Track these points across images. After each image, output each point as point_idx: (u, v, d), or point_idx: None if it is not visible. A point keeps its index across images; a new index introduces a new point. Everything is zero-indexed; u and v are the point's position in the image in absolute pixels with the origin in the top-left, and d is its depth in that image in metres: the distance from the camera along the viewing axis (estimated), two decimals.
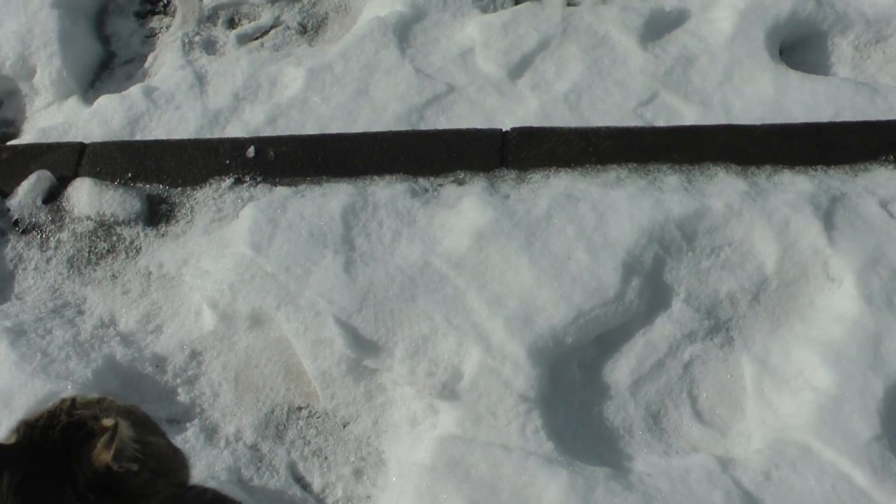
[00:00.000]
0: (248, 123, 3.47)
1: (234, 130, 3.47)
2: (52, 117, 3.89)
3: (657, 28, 3.70)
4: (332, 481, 2.62)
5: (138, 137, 3.54)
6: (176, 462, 1.72)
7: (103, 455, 1.48)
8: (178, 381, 2.80)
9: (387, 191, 3.00)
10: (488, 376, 2.59)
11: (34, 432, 1.57)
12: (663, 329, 2.75)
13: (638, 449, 2.60)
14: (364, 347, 2.69)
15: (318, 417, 2.72)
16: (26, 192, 3.29)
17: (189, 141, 3.33)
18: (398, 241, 2.88)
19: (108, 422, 1.52)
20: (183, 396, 2.77)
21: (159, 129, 3.57)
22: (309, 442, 2.69)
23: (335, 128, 3.36)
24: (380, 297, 2.75)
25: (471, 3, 3.80)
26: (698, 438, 2.62)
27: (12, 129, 4.04)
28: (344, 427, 2.70)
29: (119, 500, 1.50)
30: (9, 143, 3.76)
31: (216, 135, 3.46)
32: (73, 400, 1.66)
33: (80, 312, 3.03)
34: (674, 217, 2.87)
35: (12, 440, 1.60)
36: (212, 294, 2.85)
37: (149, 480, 1.55)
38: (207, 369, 2.82)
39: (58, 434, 1.55)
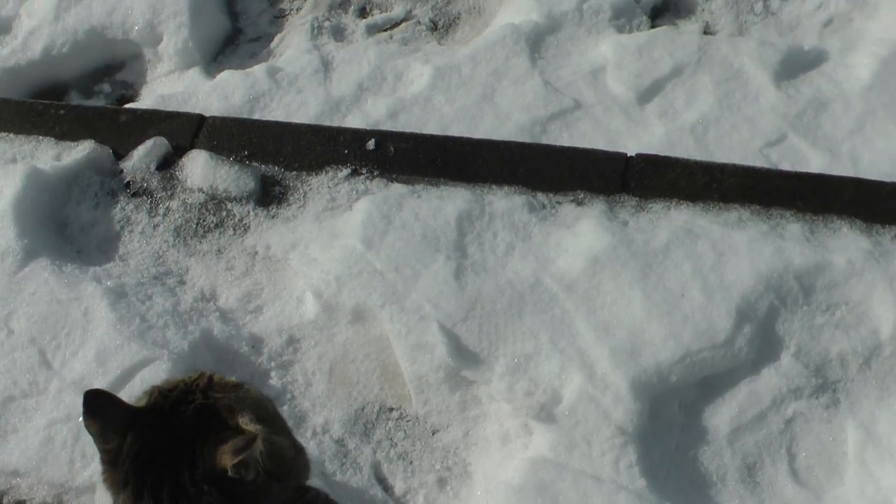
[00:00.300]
0: (369, 115, 3.49)
1: (354, 120, 3.49)
2: (171, 85, 3.96)
3: (793, 67, 3.63)
4: (415, 487, 2.62)
5: (257, 116, 3.57)
6: (298, 463, 1.69)
7: (227, 459, 1.45)
8: (273, 364, 2.83)
9: (504, 202, 2.99)
10: (587, 404, 2.56)
11: (166, 403, 1.55)
12: (769, 381, 2.69)
13: (729, 499, 2.55)
14: (465, 357, 2.68)
15: (408, 421, 2.73)
16: (141, 157, 3.36)
17: (309, 126, 3.35)
18: (511, 254, 2.87)
19: (249, 428, 1.49)
20: (275, 381, 2.80)
21: (279, 110, 3.60)
22: (396, 444, 2.69)
23: (456, 130, 3.36)
24: (487, 309, 2.74)
25: (607, 20, 3.77)
26: (792, 498, 2.57)
27: (130, 91, 4.12)
28: (433, 434, 2.70)
29: (231, 499, 1.48)
30: (126, 105, 3.83)
31: (336, 123, 3.48)
32: (211, 378, 1.63)
33: (182, 283, 3.08)
34: (793, 268, 2.82)
35: (142, 403, 1.59)
36: (317, 283, 2.87)
37: (263, 485, 1.51)
38: (303, 357, 2.83)
39: (190, 412, 1.53)
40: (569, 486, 2.44)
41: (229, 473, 1.47)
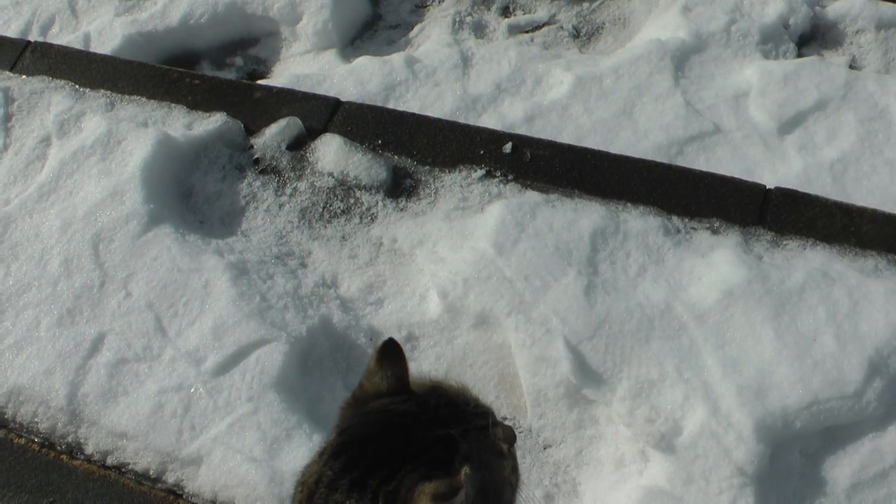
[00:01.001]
0: (504, 116, 3.48)
1: (489, 120, 3.48)
2: (306, 66, 4.00)
3: None
4: (521, 500, 2.59)
5: (392, 105, 3.59)
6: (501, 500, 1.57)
7: (422, 500, 1.33)
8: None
9: (639, 222, 2.96)
10: (709, 439, 2.52)
11: (429, 402, 1.48)
12: (895, 440, 2.63)
13: None
14: (587, 376, 2.65)
15: (520, 432, 2.71)
16: (273, 135, 3.39)
17: (446, 122, 3.35)
18: (643, 276, 2.84)
19: (460, 476, 1.35)
20: None
21: (414, 101, 3.61)
22: None
23: (592, 142, 3.33)
24: (614, 330, 2.72)
25: (754, 45, 3.71)
26: None
27: (262, 68, 4.17)
28: (545, 449, 2.68)
29: None
30: (260, 82, 3.87)
31: (471, 121, 3.47)
32: (489, 416, 1.52)
33: (304, 265, 3.09)
34: None
35: (420, 385, 1.52)
36: (444, 283, 2.86)
37: None
38: (420, 356, 2.83)
39: (438, 431, 1.42)
40: None
41: None
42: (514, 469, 1.62)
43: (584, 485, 2.61)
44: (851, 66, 3.76)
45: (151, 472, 2.67)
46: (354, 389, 1.53)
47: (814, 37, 3.88)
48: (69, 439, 2.75)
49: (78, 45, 4.15)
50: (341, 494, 1.37)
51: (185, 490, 2.64)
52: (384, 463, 1.38)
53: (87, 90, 3.65)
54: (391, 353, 1.50)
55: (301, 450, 2.56)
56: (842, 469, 2.60)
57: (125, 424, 2.70)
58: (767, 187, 3.12)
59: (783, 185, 3.17)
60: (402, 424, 1.44)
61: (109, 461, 2.72)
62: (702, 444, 2.52)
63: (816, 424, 2.61)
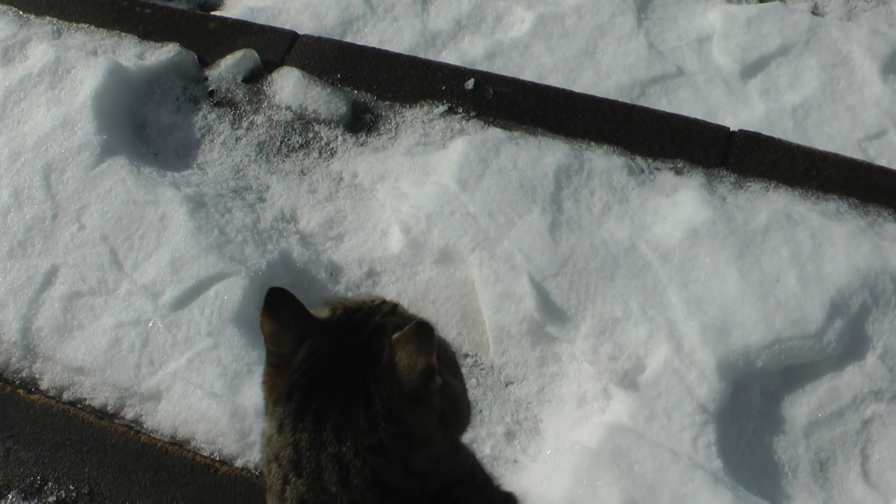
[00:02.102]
0: (465, 53, 3.47)
1: (449, 57, 3.47)
2: None
3: None
4: (482, 436, 2.63)
5: (349, 40, 3.55)
6: (467, 415, 1.59)
7: (420, 360, 1.35)
8: (350, 295, 2.82)
9: (603, 161, 2.98)
10: (672, 377, 2.57)
11: (350, 321, 1.47)
12: (852, 379, 2.69)
13: (798, 491, 2.56)
14: (551, 313, 2.68)
15: (482, 369, 2.73)
16: (228, 67, 3.34)
17: (407, 57, 3.33)
18: (607, 215, 2.86)
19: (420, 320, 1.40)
20: None
21: (372, 36, 3.58)
22: (467, 391, 2.70)
23: (553, 81, 3.34)
24: (579, 267, 2.74)
25: None
26: (861, 499, 2.57)
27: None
28: (506, 386, 2.71)
29: (401, 442, 1.39)
30: (213, 13, 3.81)
31: (431, 57, 3.45)
32: (396, 306, 1.55)
33: (262, 200, 3.07)
34: (890, 268, 2.80)
35: (324, 314, 1.50)
36: (406, 218, 2.86)
37: (437, 429, 1.43)
38: (381, 291, 2.83)
39: (366, 335, 1.45)
40: (645, 456, 2.44)
41: (435, 378, 1.38)
42: None
43: (546, 422, 2.64)
44: (814, 13, 3.81)
45: (109, 408, 2.65)
46: (267, 359, 1.49)
47: None
48: (23, 374, 2.71)
49: None
50: (333, 445, 1.36)
51: (145, 426, 2.62)
52: (351, 388, 1.39)
53: (32, 16, 3.57)
54: (280, 303, 1.45)
55: None
56: (800, 407, 2.66)
57: (81, 359, 2.67)
58: (731, 130, 3.16)
59: (746, 129, 3.21)
60: (337, 350, 1.43)
61: (66, 396, 2.68)
62: (665, 381, 2.56)
63: (777, 363, 2.67)
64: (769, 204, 2.92)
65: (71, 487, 2.56)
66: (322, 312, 1.50)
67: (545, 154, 2.95)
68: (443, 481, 1.45)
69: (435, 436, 1.43)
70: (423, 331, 1.37)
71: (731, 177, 3.03)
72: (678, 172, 3.01)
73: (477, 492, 1.51)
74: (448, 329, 2.76)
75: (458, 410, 1.54)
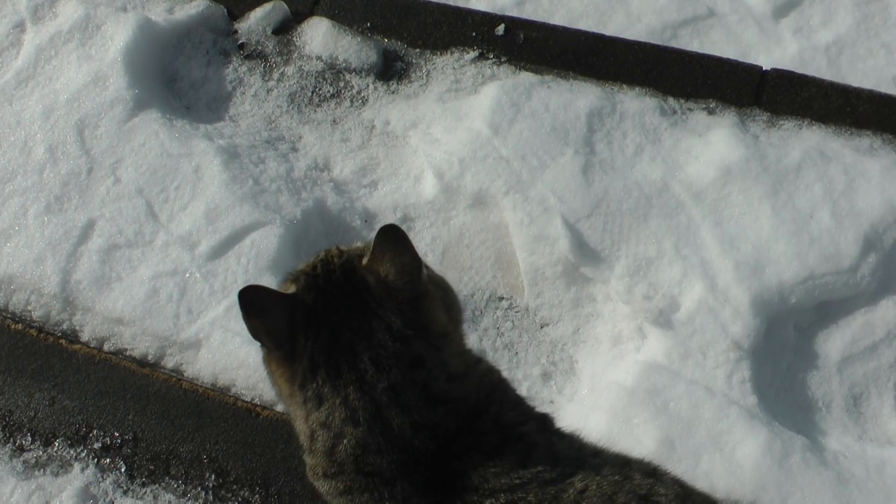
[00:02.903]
0: (494, 1, 3.49)
1: (479, 3, 3.48)
2: None
3: None
4: (518, 378, 2.68)
5: None
6: (457, 300, 1.69)
7: (404, 259, 1.48)
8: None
9: (635, 102, 3.01)
10: (706, 315, 2.61)
11: (317, 280, 1.54)
12: (886, 313, 2.72)
13: (833, 426, 2.60)
14: (585, 254, 2.72)
15: (517, 312, 2.78)
16: (258, 20, 3.38)
17: (436, 4, 3.35)
18: (640, 156, 2.89)
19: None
20: None
21: None
22: (503, 334, 2.75)
23: (584, 25, 3.35)
24: (612, 208, 2.78)
25: None
26: (894, 432, 2.62)
27: None
28: (541, 328, 2.76)
29: (430, 343, 1.50)
30: None
31: (460, 3, 3.47)
32: (340, 248, 1.64)
33: (295, 150, 3.12)
34: None
35: (292, 289, 1.56)
36: (439, 164, 2.91)
37: (444, 315, 1.55)
38: (416, 237, 2.88)
39: (341, 281, 1.53)
40: (681, 394, 2.49)
41: (423, 273, 1.51)
42: None
43: (582, 362, 2.69)
44: None
45: (150, 357, 2.72)
46: (270, 355, 1.56)
47: None
48: (64, 326, 2.78)
49: None
50: (380, 378, 1.44)
51: (185, 373, 2.69)
52: (364, 326, 1.47)
53: None
54: (257, 300, 1.49)
55: None
56: (834, 343, 2.70)
57: (121, 310, 2.74)
58: (763, 69, 3.17)
59: (779, 68, 3.22)
60: (329, 307, 1.51)
61: (106, 347, 2.76)
62: (699, 319, 2.60)
63: (811, 299, 2.70)
64: (802, 141, 2.94)
65: (115, 434, 2.64)
66: (290, 288, 1.56)
67: (577, 97, 2.98)
68: (478, 385, 1.55)
69: (447, 326, 1.55)
70: (390, 234, 1.49)
71: (764, 115, 3.05)
72: (710, 112, 3.03)
73: (514, 406, 1.59)
74: (483, 272, 2.81)
75: (449, 294, 1.64)
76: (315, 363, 1.48)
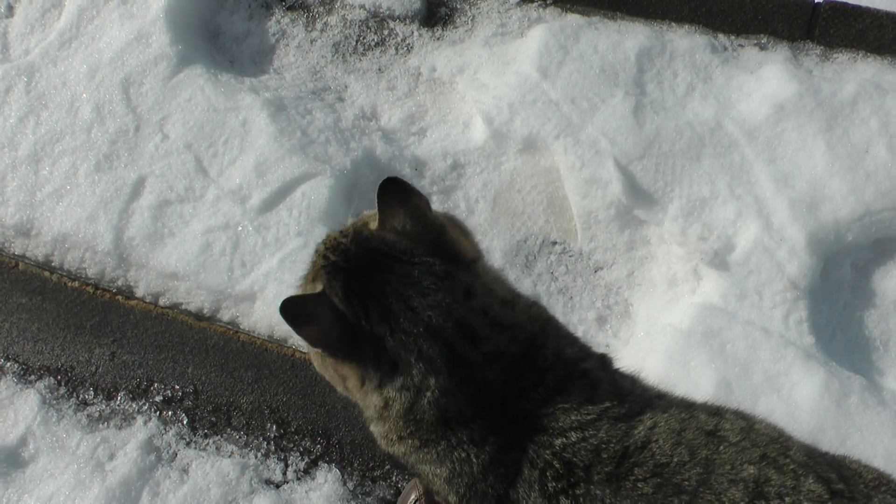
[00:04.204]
0: None
1: None
2: None
3: None
4: (574, 322, 2.72)
5: None
6: (463, 224, 1.73)
7: (411, 205, 1.54)
8: (435, 188, 2.91)
9: (685, 41, 3.01)
10: (762, 255, 2.62)
11: (339, 266, 1.56)
12: None
13: (890, 365, 2.61)
14: (638, 196, 2.74)
15: (570, 256, 2.81)
16: None
17: None
18: (691, 95, 2.90)
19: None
20: (437, 205, 2.88)
21: None
22: (557, 278, 2.78)
23: None
24: (664, 149, 2.79)
25: None
26: None
27: None
28: (595, 272, 2.79)
29: (470, 272, 1.55)
30: None
31: None
32: (332, 231, 1.67)
33: (341, 100, 3.16)
34: None
35: (320, 286, 1.56)
36: (488, 109, 2.93)
37: (465, 240, 1.61)
38: (467, 183, 2.92)
39: (363, 257, 1.55)
40: (737, 335, 2.51)
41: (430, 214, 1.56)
42: None
43: (637, 305, 2.71)
44: None
45: (205, 311, 2.78)
46: (335, 364, 1.59)
47: None
48: (119, 283, 2.85)
49: None
50: (447, 319, 1.48)
51: (241, 326, 2.75)
52: (407, 284, 1.49)
53: None
54: (301, 310, 1.50)
55: None
56: (891, 280, 2.71)
57: (174, 265, 2.80)
58: (815, 1, 3.15)
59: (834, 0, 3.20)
60: (366, 288, 1.52)
61: (162, 302, 2.83)
62: (755, 259, 2.62)
63: (868, 236, 2.71)
64: (857, 74, 2.93)
65: (176, 387, 2.72)
66: (317, 287, 1.56)
67: (625, 38, 2.98)
68: (529, 315, 1.59)
69: (476, 253, 1.60)
70: (389, 188, 1.54)
71: (817, 49, 3.04)
72: (762, 48, 3.03)
73: (571, 342, 1.63)
74: (535, 217, 2.84)
75: (458, 222, 1.68)
76: (378, 336, 1.50)
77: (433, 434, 1.52)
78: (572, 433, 1.46)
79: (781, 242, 2.61)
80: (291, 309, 1.46)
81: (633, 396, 1.55)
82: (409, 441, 1.55)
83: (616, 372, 1.64)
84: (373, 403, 1.56)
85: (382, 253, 1.53)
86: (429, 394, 1.48)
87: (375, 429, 1.62)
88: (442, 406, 1.48)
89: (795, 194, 2.68)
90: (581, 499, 1.41)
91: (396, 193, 1.55)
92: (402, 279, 1.50)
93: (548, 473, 1.45)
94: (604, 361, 1.65)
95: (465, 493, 1.53)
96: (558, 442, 1.45)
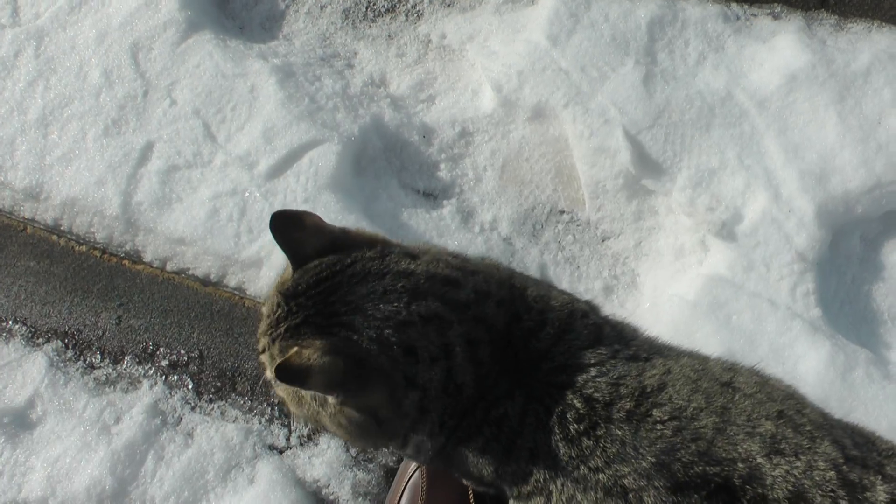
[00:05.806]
0: None
1: None
2: None
3: None
4: (580, 291, 2.75)
5: None
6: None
7: (306, 227, 1.62)
8: (443, 156, 2.94)
9: (698, 9, 3.02)
10: (770, 226, 2.65)
11: (289, 311, 1.56)
12: None
13: None
14: (647, 166, 2.76)
15: (578, 225, 2.84)
16: None
17: None
18: (703, 64, 2.92)
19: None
20: (444, 173, 2.92)
21: None
22: (564, 248, 2.81)
23: None
24: (674, 119, 2.81)
25: None
26: None
27: None
28: (603, 241, 2.82)
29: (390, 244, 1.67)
30: None
31: None
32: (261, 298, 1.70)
33: (350, 66, 3.19)
34: None
35: (307, 352, 1.50)
36: (497, 76, 2.95)
37: (359, 232, 1.73)
38: (475, 151, 2.95)
39: (294, 292, 1.58)
40: (744, 307, 2.53)
41: None
42: None
43: (644, 276, 2.74)
44: None
45: (212, 277, 2.82)
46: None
47: None
48: (127, 247, 2.89)
49: None
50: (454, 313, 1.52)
51: (248, 292, 2.79)
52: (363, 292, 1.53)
53: None
54: (298, 372, 1.44)
55: None
56: None
57: (182, 230, 2.84)
58: None
59: None
60: (317, 313, 1.54)
61: (169, 267, 2.87)
62: (763, 230, 2.64)
63: (878, 209, 2.72)
64: (872, 44, 2.93)
65: (182, 351, 2.77)
66: (291, 351, 1.51)
67: (637, 6, 3.00)
68: (486, 265, 1.67)
69: (379, 236, 1.72)
70: (278, 221, 1.61)
71: (832, 19, 3.04)
72: (776, 17, 3.04)
73: (548, 288, 1.71)
74: (543, 186, 2.87)
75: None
76: (376, 341, 1.50)
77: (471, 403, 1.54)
78: (592, 369, 1.49)
79: (790, 214, 2.63)
80: (287, 372, 1.43)
81: (637, 342, 1.58)
82: (450, 424, 1.56)
83: (607, 318, 1.69)
84: (412, 401, 1.53)
85: (319, 280, 1.54)
86: (457, 358, 1.51)
87: (417, 438, 1.61)
88: (473, 364, 1.51)
89: (805, 165, 2.69)
90: (602, 440, 1.44)
91: (288, 223, 1.58)
92: (354, 285, 1.52)
93: (569, 415, 1.47)
94: (592, 306, 1.70)
95: (502, 455, 1.55)
96: (580, 378, 1.49)
